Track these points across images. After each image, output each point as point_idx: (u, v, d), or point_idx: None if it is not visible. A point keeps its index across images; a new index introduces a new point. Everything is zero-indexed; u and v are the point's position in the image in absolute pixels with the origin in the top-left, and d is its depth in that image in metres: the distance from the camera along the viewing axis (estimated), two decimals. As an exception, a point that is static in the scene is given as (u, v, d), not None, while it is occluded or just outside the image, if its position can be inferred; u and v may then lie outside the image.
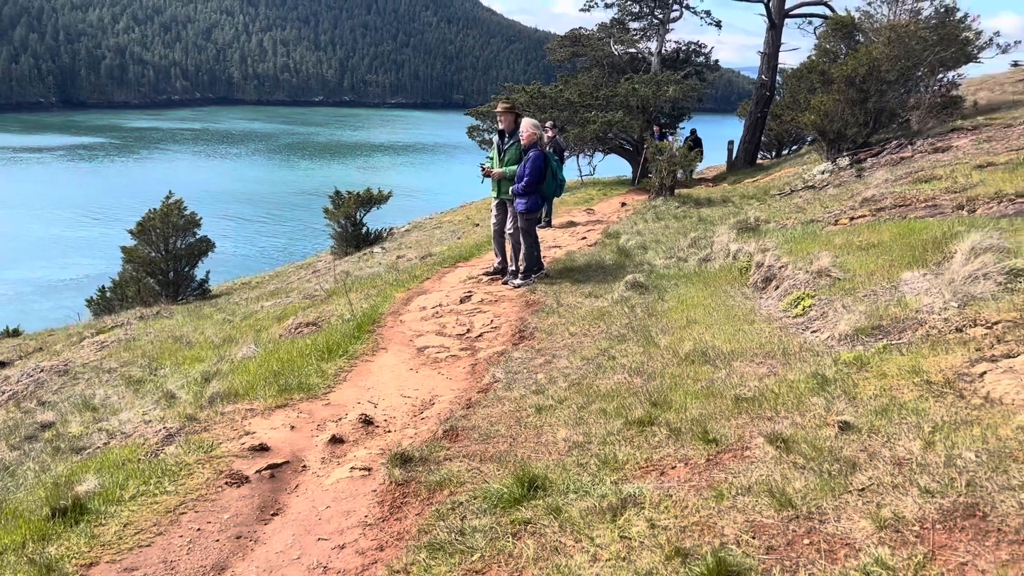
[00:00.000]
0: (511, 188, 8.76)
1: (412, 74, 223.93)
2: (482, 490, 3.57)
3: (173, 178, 56.75)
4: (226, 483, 4.25)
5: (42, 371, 10.27)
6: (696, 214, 13.18)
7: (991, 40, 18.95)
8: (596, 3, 29.68)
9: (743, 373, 4.49)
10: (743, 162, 25.19)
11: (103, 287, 21.31)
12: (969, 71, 28.50)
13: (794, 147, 30.17)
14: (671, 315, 6.30)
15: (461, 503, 3.54)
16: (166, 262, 19.92)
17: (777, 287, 6.15)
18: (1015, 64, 32.92)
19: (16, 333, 19.25)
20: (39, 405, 8.25)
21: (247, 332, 9.80)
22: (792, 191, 13.38)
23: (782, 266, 6.32)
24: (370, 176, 63.19)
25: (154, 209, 20.29)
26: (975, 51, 18.41)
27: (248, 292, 17.72)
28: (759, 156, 27.41)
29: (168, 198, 20.34)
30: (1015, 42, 19.85)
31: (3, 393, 9.64)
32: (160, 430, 5.27)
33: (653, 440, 3.81)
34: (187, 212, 20.39)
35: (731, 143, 26.37)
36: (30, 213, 52.10)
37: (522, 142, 8.65)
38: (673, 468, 3.49)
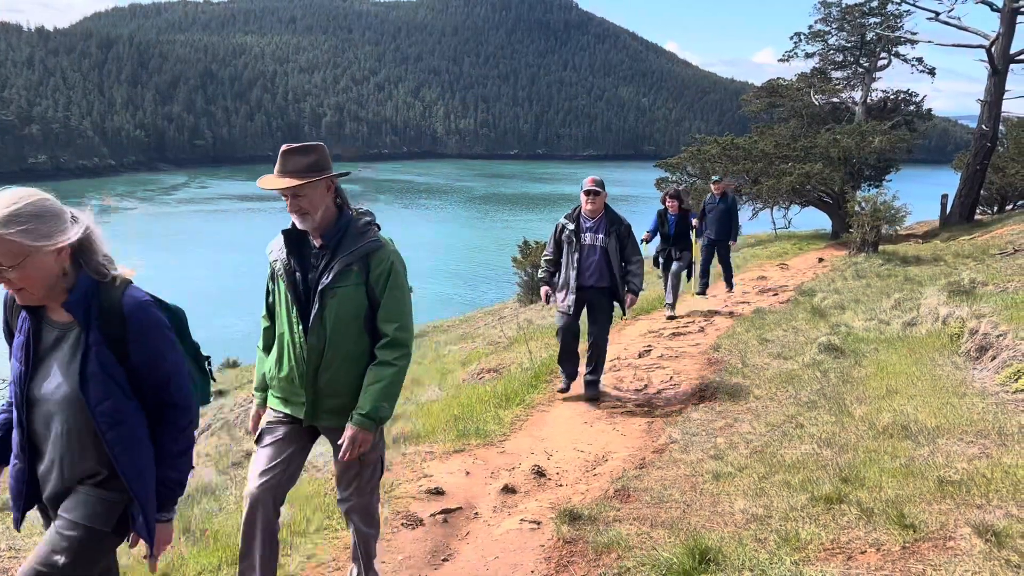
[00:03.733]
0: None
1: (604, 127, 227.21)
2: (650, 557, 3.44)
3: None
4: (402, 524, 4.38)
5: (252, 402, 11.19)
6: (902, 273, 12.24)
7: None
8: (796, 53, 28.79)
9: (949, 452, 4.06)
10: (958, 217, 23.19)
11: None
12: None
13: (1019, 202, 27.45)
14: (869, 383, 5.84)
15: (628, 569, 3.43)
16: (368, 306, 21.28)
17: (994, 358, 5.55)
18: None
19: (235, 364, 21.23)
20: (247, 434, 8.98)
21: (434, 375, 10.18)
22: (1016, 251, 12.12)
23: (1000, 334, 5.71)
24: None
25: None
26: None
27: (439, 336, 18.47)
28: (977, 211, 25.13)
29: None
30: None
31: (218, 420, 10.61)
32: (347, 466, 5.54)
33: (841, 520, 3.52)
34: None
35: (945, 197, 24.38)
36: (254, 257, 57.29)
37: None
38: (863, 553, 3.20)
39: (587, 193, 6.61)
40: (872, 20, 26.81)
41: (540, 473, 5.10)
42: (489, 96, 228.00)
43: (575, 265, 6.57)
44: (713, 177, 13.75)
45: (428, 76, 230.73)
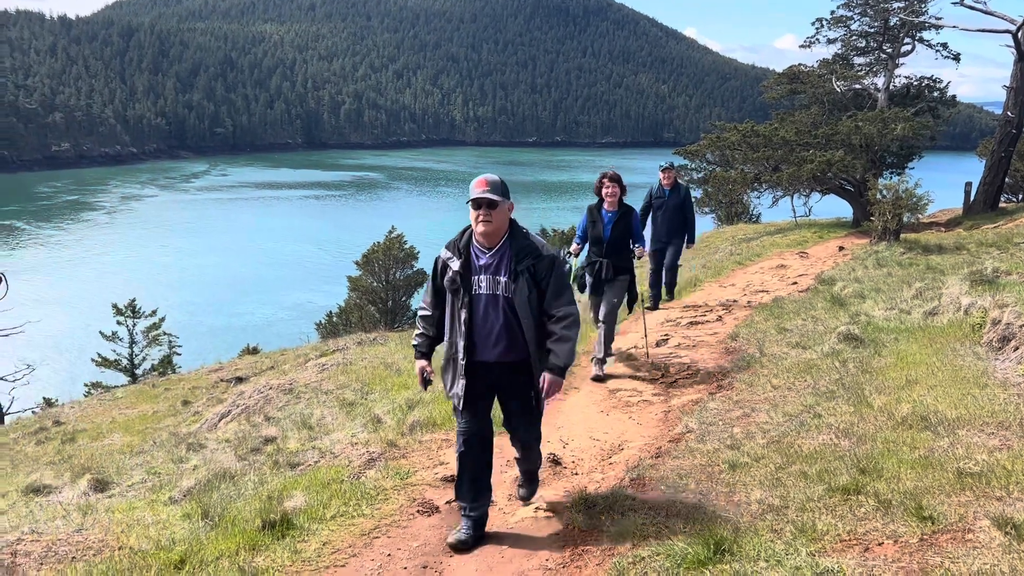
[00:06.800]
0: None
1: (623, 114, 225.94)
2: (665, 547, 3.44)
3: (396, 213, 61.03)
4: (418, 511, 4.41)
5: (271, 388, 11.30)
6: (924, 262, 12.10)
7: None
8: (818, 39, 28.37)
9: (969, 444, 4.02)
10: (983, 205, 22.85)
11: (331, 312, 23.25)
12: None
13: (1047, 189, 27.03)
14: (888, 373, 5.78)
15: (643, 558, 3.43)
16: (386, 291, 21.41)
17: (1016, 348, 5.47)
18: None
19: (255, 351, 21.43)
20: (265, 420, 9.07)
21: (451, 363, 10.17)
22: (1042, 239, 11.93)
23: (1023, 324, 5.63)
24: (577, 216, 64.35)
25: (378, 242, 21.90)
26: None
27: (456, 324, 18.48)
28: (1002, 199, 24.75)
29: (391, 232, 21.88)
30: None
31: (238, 407, 10.71)
32: (364, 453, 5.58)
33: (858, 511, 3.50)
34: (407, 246, 21.81)
35: (969, 184, 24.03)
36: (274, 245, 57.84)
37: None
38: (880, 544, 3.18)
39: (477, 204, 3.88)
40: (896, 5, 26.37)
41: (556, 462, 5.11)
42: (507, 83, 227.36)
43: (462, 328, 3.99)
44: (661, 163, 10.46)
45: (446, 63, 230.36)
